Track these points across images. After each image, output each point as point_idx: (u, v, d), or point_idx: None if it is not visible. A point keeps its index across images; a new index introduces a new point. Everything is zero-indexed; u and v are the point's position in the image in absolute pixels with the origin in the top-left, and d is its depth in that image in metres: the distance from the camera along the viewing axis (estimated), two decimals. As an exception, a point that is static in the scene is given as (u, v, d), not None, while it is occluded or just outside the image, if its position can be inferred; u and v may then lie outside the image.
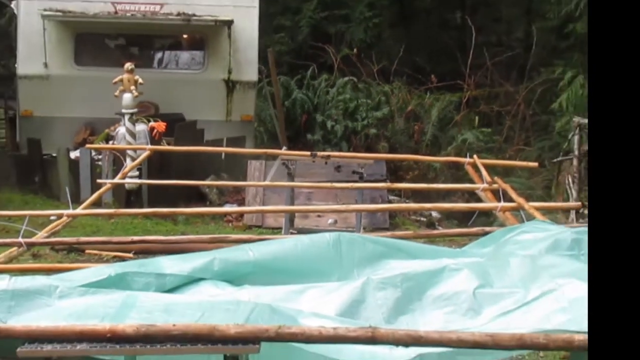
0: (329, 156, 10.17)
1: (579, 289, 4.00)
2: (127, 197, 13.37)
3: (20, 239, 5.66)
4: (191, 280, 4.47)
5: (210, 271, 4.53)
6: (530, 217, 6.10)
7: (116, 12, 15.56)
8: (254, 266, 4.62)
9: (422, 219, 13.29)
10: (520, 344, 3.54)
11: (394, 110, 19.01)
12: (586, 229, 5.11)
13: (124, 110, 14.01)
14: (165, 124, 14.76)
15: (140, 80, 14.08)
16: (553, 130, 16.48)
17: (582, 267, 4.47)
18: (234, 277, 4.54)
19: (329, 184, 10.26)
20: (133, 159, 10.53)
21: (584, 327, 3.59)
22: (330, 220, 12.43)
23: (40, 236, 6.00)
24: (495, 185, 7.49)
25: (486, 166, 8.17)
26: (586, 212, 10.09)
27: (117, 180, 9.27)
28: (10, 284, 4.04)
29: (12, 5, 17.68)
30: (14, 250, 5.59)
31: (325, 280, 4.51)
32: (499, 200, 7.06)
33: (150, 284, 4.35)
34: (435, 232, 9.43)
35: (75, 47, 15.87)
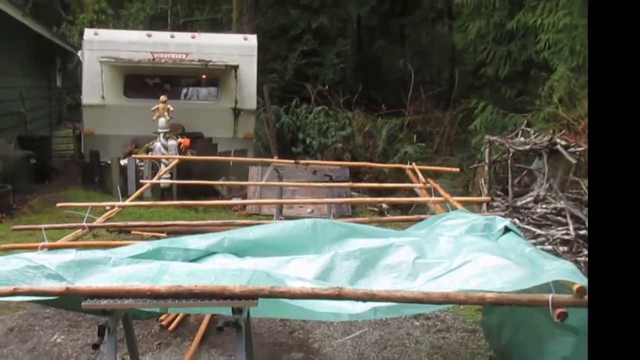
0: (307, 164, 10.14)
1: (489, 260, 4.00)
2: (162, 193, 13.37)
3: (84, 223, 5.63)
4: (208, 253, 4.47)
5: (222, 247, 4.52)
6: (454, 208, 6.09)
7: (154, 59, 15.55)
8: (254, 243, 4.62)
9: (375, 209, 13.28)
10: (446, 299, 3.56)
11: (355, 130, 19.00)
12: (494, 216, 5.12)
13: (159, 130, 14.12)
14: (189, 140, 14.80)
15: (171, 108, 14.17)
16: (470, 145, 16.48)
17: (492, 244, 4.48)
18: (239, 251, 4.54)
19: (307, 184, 10.23)
20: (166, 165, 10.45)
21: (493, 287, 3.59)
22: (308, 210, 12.40)
23: (98, 221, 5.96)
24: (428, 185, 7.47)
25: (421, 171, 8.15)
26: (494, 204, 10.11)
27: (154, 180, 9.21)
28: (77, 256, 4.04)
29: (79, 54, 17.85)
30: (79, 231, 5.55)
31: (305, 253, 4.51)
32: (431, 196, 7.04)
33: (179, 256, 4.35)
34: (384, 218, 9.41)
35: (124, 84, 15.84)
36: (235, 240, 4.60)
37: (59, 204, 6.92)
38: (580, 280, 3.50)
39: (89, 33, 16.21)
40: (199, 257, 4.42)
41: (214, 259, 4.43)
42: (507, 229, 4.79)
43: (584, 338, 4.03)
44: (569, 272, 3.63)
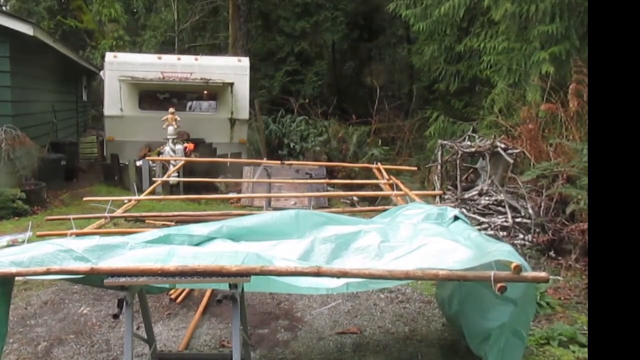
0: (291, 164, 10.14)
1: (441, 243, 4.00)
2: (171, 188, 13.33)
3: (106, 214, 5.59)
4: (209, 238, 4.43)
5: (221, 233, 4.49)
6: (412, 200, 6.08)
7: (164, 78, 15.50)
8: (247, 230, 4.59)
9: (347, 201, 13.25)
10: (406, 276, 3.56)
11: (331, 136, 18.98)
12: (445, 207, 5.12)
13: (168, 136, 14.12)
14: (193, 144, 14.77)
15: (178, 118, 14.20)
16: (425, 148, 16.51)
17: (444, 230, 4.47)
18: (235, 236, 4.51)
19: (291, 180, 10.20)
20: (174, 166, 10.40)
21: (445, 266, 3.59)
22: (292, 202, 12.37)
23: (118, 212, 5.91)
24: (391, 181, 7.46)
25: (386, 169, 8.14)
26: (445, 197, 10.13)
27: (164, 178, 9.15)
28: (100, 241, 4.01)
29: (101, 74, 17.89)
30: (102, 221, 5.51)
31: (289, 238, 4.49)
32: (393, 190, 7.04)
33: (185, 241, 4.32)
34: (355, 209, 9.40)
35: (139, 98, 15.78)
36: (231, 227, 4.57)
37: (85, 198, 6.88)
38: (517, 259, 3.53)
39: (109, 56, 16.21)
40: (201, 241, 4.39)
41: (214, 243, 4.40)
42: (456, 217, 4.80)
43: (520, 307, 4.08)
44: (507, 253, 3.65)
